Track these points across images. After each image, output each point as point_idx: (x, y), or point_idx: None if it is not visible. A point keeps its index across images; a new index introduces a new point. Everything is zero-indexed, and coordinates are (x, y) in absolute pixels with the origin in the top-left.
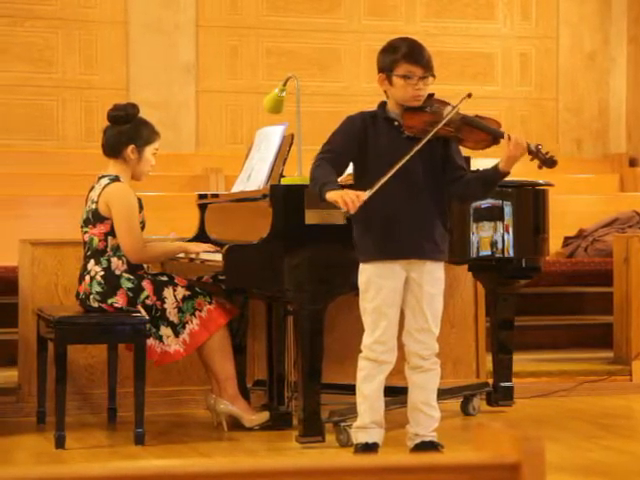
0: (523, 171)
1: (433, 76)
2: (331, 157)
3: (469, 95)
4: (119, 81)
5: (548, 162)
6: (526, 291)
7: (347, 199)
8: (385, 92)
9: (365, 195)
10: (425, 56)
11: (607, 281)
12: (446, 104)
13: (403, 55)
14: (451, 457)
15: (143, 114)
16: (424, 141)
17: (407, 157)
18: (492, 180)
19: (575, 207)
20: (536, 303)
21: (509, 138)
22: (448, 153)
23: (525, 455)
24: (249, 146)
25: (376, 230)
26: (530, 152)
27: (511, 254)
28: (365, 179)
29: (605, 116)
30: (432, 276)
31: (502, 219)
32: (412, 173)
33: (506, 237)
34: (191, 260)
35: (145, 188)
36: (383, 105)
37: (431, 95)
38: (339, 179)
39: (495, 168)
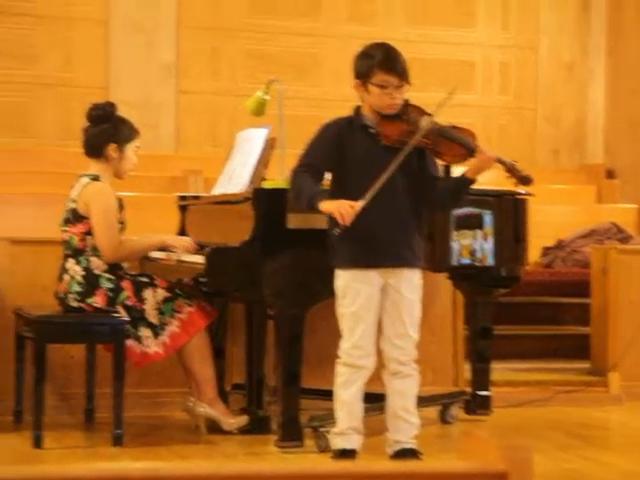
0: (503, 180)
1: (409, 84)
2: (309, 169)
3: (454, 90)
4: (98, 80)
5: (524, 180)
6: (504, 300)
7: (343, 211)
8: (361, 97)
9: (358, 205)
10: (400, 64)
11: (584, 292)
12: (422, 112)
13: (378, 63)
14: (438, 465)
15: (122, 114)
16: (405, 151)
17: (395, 164)
18: (460, 189)
19: (552, 217)
20: (514, 312)
21: (479, 151)
22: (423, 164)
23: (512, 464)
24: (230, 148)
25: (354, 238)
26: (507, 170)
27: (490, 263)
28: (342, 187)
29: (583, 127)
30: (411, 282)
31: (481, 227)
32: (391, 182)
33: (485, 246)
34: (180, 262)
35: (123, 188)
36: (358, 110)
37: (406, 101)
38: None
39: (462, 177)
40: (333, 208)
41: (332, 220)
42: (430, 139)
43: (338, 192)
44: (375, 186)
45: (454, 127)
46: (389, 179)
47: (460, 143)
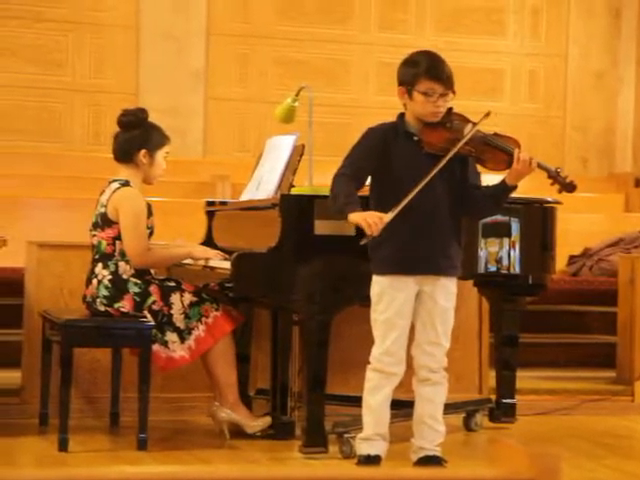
0: (531, 188)
1: (453, 92)
2: (352, 172)
3: (488, 114)
4: (128, 86)
5: (568, 187)
6: (530, 308)
7: (370, 222)
8: (404, 105)
9: (387, 217)
10: (446, 72)
11: (611, 301)
12: (466, 120)
13: (424, 71)
14: (465, 472)
15: (152, 120)
16: (445, 161)
17: (428, 177)
18: (501, 196)
19: (579, 226)
20: (540, 321)
21: (518, 158)
22: (464, 172)
23: (541, 472)
24: (258, 155)
25: (392, 244)
26: (550, 176)
27: (517, 270)
28: (383, 193)
29: (611, 135)
30: (446, 290)
31: (509, 235)
32: (431, 189)
33: (512, 253)
34: (204, 267)
35: (151, 193)
36: (402, 117)
37: (450, 109)
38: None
39: (503, 183)
40: (360, 219)
41: (362, 230)
42: (473, 146)
43: (378, 197)
44: (408, 196)
45: (497, 134)
46: (427, 187)
47: (503, 150)
